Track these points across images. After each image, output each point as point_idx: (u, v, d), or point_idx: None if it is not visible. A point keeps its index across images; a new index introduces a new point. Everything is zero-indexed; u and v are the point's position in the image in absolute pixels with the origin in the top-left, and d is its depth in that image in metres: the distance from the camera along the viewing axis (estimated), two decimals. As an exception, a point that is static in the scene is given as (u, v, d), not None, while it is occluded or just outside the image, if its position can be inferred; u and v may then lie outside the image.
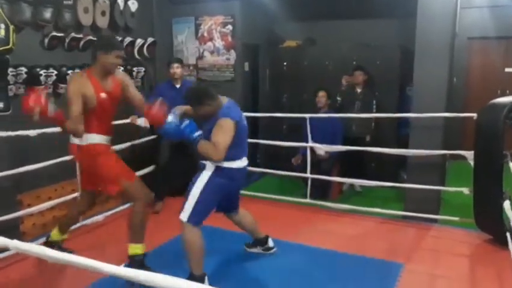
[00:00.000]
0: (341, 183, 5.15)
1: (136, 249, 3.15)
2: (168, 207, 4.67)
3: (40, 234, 3.85)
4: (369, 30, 5.63)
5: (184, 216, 2.92)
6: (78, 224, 3.99)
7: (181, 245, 2.98)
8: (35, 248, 1.47)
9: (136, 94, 3.31)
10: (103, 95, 3.02)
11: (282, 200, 4.78)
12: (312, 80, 5.81)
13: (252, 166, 5.16)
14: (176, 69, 4.63)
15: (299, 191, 4.97)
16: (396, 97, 5.55)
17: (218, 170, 2.96)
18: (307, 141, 4.62)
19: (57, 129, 3.59)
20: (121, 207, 4.56)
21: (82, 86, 2.93)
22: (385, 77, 5.46)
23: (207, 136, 2.88)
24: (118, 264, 3.13)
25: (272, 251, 3.63)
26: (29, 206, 3.78)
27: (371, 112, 5.15)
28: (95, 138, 3.07)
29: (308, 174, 4.65)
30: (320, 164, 4.88)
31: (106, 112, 3.11)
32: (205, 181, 2.95)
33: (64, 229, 3.49)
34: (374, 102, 5.23)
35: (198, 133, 2.86)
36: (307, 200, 4.69)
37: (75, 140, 3.05)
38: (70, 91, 2.90)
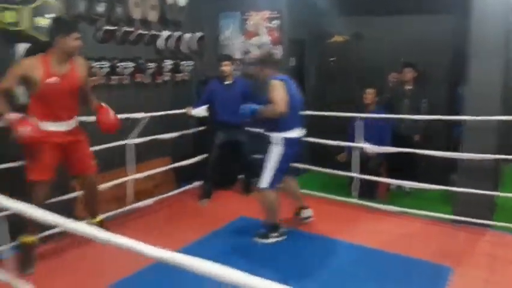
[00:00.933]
0: (389, 183, 5.01)
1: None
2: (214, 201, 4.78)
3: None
4: (420, 26, 5.42)
5: (264, 183, 3.62)
6: (127, 208, 4.14)
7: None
8: (87, 229, 1.48)
9: (87, 86, 3.37)
10: (53, 79, 2.94)
11: (327, 198, 4.71)
12: (359, 77, 5.68)
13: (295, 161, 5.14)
14: (225, 66, 4.62)
15: (343, 189, 4.88)
16: (448, 95, 5.34)
17: (284, 141, 3.55)
18: (353, 139, 4.52)
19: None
20: (171, 193, 4.70)
21: (27, 68, 2.88)
22: (436, 75, 5.27)
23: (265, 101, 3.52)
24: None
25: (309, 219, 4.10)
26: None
27: (421, 110, 4.96)
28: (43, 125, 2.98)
29: (355, 174, 4.56)
30: (367, 163, 4.77)
31: (55, 97, 3.00)
32: (278, 154, 3.56)
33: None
34: (425, 100, 5.04)
35: (256, 106, 3.57)
36: (353, 199, 4.60)
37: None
38: (12, 69, 2.89)
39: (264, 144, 3.65)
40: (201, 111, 4.64)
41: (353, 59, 5.90)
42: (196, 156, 4.90)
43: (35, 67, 2.88)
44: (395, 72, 5.29)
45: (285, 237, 3.80)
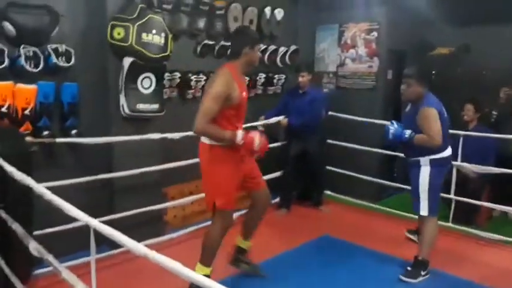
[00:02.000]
0: (491, 209, 4.55)
1: (200, 271, 2.86)
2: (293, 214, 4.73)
3: (180, 225, 4.18)
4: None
5: (424, 211, 3.34)
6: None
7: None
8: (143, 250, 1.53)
9: None
10: (244, 93, 2.86)
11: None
12: (464, 91, 5.27)
13: (388, 180, 4.91)
14: (301, 77, 4.57)
15: (440, 213, 4.53)
16: None
17: (433, 162, 3.29)
18: (453, 159, 4.17)
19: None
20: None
21: (230, 86, 2.71)
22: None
23: (410, 121, 3.32)
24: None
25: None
26: (173, 199, 4.13)
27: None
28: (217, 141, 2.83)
29: (452, 196, 4.21)
30: (467, 185, 4.39)
31: (242, 111, 2.90)
32: (428, 174, 3.29)
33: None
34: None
35: (409, 131, 3.28)
36: (450, 224, 4.26)
37: (205, 139, 2.85)
38: (218, 90, 2.68)
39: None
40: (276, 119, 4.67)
41: (458, 72, 5.50)
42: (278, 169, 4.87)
43: (233, 84, 2.74)
44: (506, 86, 4.83)
45: (428, 276, 3.41)
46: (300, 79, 4.59)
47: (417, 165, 3.32)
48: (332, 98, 5.24)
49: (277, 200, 4.85)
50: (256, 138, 2.80)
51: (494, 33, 5.17)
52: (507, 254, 3.87)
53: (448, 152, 3.37)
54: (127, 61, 3.51)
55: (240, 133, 2.76)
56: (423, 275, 3.36)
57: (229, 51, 2.95)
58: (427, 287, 3.28)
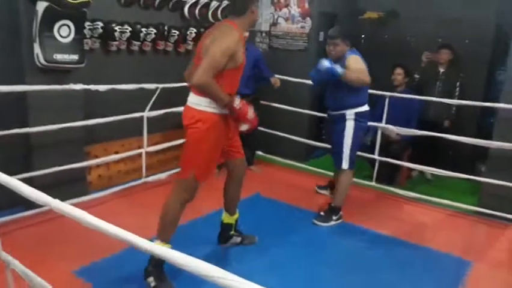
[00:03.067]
0: (411, 169, 4.82)
1: None
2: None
3: (105, 186, 3.99)
4: (460, 5, 5.10)
5: (346, 164, 3.56)
6: (141, 180, 4.09)
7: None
8: (72, 210, 1.41)
9: None
10: (244, 55, 2.65)
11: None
12: (391, 56, 5.43)
13: (317, 141, 5.01)
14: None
15: (364, 173, 4.73)
16: (483, 80, 5.06)
17: (357, 116, 3.49)
18: (379, 121, 4.32)
19: (127, 86, 3.68)
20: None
21: (238, 44, 2.52)
22: (473, 58, 4.98)
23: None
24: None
25: None
26: (96, 157, 3.91)
27: (454, 95, 4.72)
28: (213, 106, 2.57)
29: (376, 156, 4.39)
30: (389, 146, 4.59)
31: (239, 75, 2.71)
32: (352, 129, 3.49)
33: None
34: (458, 84, 4.78)
35: (340, 68, 3.31)
36: (373, 183, 4.45)
37: (190, 100, 2.64)
38: (228, 45, 2.47)
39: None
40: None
41: (386, 37, 5.65)
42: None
43: (240, 42, 2.55)
44: (427, 51, 5.03)
45: (341, 221, 3.71)
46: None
47: (343, 120, 3.51)
48: (265, 58, 5.16)
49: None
50: (250, 107, 2.69)
51: (421, 0, 5.33)
52: (420, 210, 4.13)
53: (367, 107, 3.61)
54: (41, 5, 3.15)
55: (237, 98, 2.60)
56: (335, 220, 3.66)
57: (230, 9, 2.73)
58: (347, 242, 3.43)
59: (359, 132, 3.58)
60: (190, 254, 1.13)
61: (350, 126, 3.50)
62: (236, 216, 3.13)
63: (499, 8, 4.89)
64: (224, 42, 2.47)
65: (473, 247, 3.48)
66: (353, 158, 3.59)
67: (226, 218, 3.12)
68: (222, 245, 3.14)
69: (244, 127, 2.78)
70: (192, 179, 2.61)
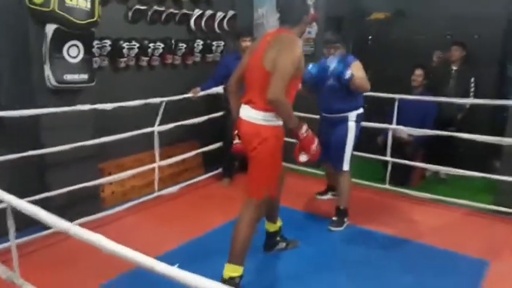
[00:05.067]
0: (424, 169, 4.77)
1: (233, 271, 2.58)
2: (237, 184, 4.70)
3: (118, 202, 4.04)
4: (468, 1, 5.05)
5: (346, 166, 3.60)
6: (155, 194, 4.13)
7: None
8: (89, 235, 1.43)
9: None
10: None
11: (358, 184, 4.53)
12: (399, 56, 5.41)
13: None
14: (248, 42, 4.36)
15: (378, 175, 4.70)
16: (495, 76, 4.99)
17: (357, 117, 3.55)
18: (390, 123, 4.30)
19: (133, 103, 3.73)
20: (197, 179, 4.66)
21: (301, 53, 2.50)
22: (484, 54, 4.92)
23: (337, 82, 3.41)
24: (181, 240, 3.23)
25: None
26: (110, 174, 3.96)
27: (468, 91, 4.68)
28: (279, 119, 2.53)
29: (388, 158, 4.36)
30: (403, 148, 4.56)
31: (299, 83, 2.70)
32: (354, 131, 3.56)
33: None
34: (473, 80, 4.72)
35: (350, 71, 3.30)
36: (386, 186, 4.42)
37: (255, 116, 2.53)
38: (298, 54, 2.44)
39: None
40: (213, 91, 4.53)
41: (393, 37, 5.63)
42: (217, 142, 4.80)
43: (302, 52, 2.53)
44: (438, 50, 4.99)
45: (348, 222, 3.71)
46: (245, 44, 4.35)
47: (345, 121, 3.55)
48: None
49: (220, 170, 4.82)
50: (316, 140, 2.63)
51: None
52: (436, 210, 4.08)
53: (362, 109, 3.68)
54: (50, 28, 3.22)
55: (305, 126, 2.56)
56: (346, 221, 3.68)
57: (284, 19, 2.64)
58: (364, 247, 3.39)
59: (358, 134, 3.62)
60: (213, 268, 1.14)
61: (352, 128, 3.55)
62: (279, 223, 3.17)
63: (508, 3, 4.82)
64: (292, 53, 2.42)
65: (491, 247, 3.41)
66: (351, 159, 3.65)
67: (271, 227, 3.15)
68: (268, 252, 3.19)
69: (303, 158, 2.64)
70: (266, 198, 2.64)
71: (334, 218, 3.68)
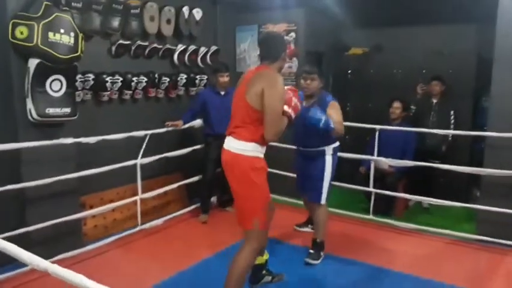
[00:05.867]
0: (408, 199, 4.83)
1: None
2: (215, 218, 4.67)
3: (101, 236, 3.96)
4: (441, 36, 5.27)
5: (323, 199, 3.59)
6: (137, 228, 4.07)
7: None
8: (70, 275, 1.39)
9: None
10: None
11: (342, 214, 4.57)
12: (378, 89, 5.57)
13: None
14: (226, 77, 4.45)
15: (360, 205, 4.73)
16: (471, 107, 5.16)
17: (334, 150, 3.59)
18: (372, 153, 4.37)
19: (117, 136, 3.70)
20: (181, 212, 4.61)
21: (283, 89, 2.61)
22: (459, 87, 5.09)
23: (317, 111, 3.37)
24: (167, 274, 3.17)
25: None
26: (91, 208, 3.90)
27: (449, 124, 4.82)
28: (261, 152, 2.65)
29: (371, 189, 4.40)
30: (384, 178, 4.62)
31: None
32: (331, 164, 3.57)
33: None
34: (452, 113, 4.87)
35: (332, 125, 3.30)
36: (370, 216, 4.45)
37: (235, 146, 2.63)
38: (282, 91, 2.57)
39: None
40: (196, 123, 4.62)
41: (372, 71, 5.79)
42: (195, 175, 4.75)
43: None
44: (421, 83, 5.15)
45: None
46: (223, 79, 4.44)
47: (322, 155, 3.56)
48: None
49: (197, 205, 4.76)
50: (293, 100, 2.69)
51: (404, 34, 5.50)
52: (420, 240, 4.10)
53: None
54: (33, 62, 3.24)
55: (286, 108, 2.62)
56: (323, 255, 3.64)
57: (264, 55, 2.75)
58: (348, 279, 3.36)
59: (335, 166, 3.62)
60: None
61: (329, 161, 3.56)
62: (266, 256, 3.14)
63: (479, 39, 5.04)
64: (277, 90, 2.54)
65: (475, 275, 3.43)
66: (329, 192, 3.62)
67: (257, 259, 3.08)
68: (254, 286, 3.12)
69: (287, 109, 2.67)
70: (257, 227, 2.62)
71: (311, 251, 3.64)
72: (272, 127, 2.53)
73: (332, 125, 3.27)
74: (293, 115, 2.68)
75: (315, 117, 3.24)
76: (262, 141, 2.61)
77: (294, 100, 2.69)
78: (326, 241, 3.69)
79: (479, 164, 4.05)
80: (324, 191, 3.58)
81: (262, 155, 2.64)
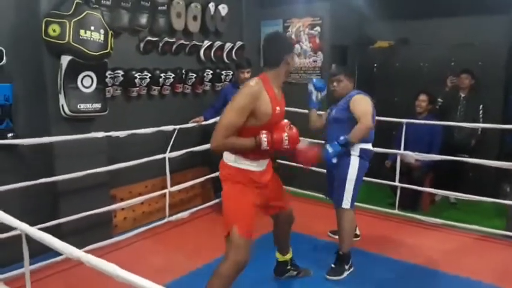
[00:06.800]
0: (434, 194, 4.77)
1: None
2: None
3: (129, 227, 4.08)
4: (469, 28, 5.15)
5: (347, 204, 3.24)
6: (165, 220, 4.17)
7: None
8: (102, 264, 1.41)
9: None
10: (278, 109, 2.48)
11: (367, 209, 4.55)
12: (404, 83, 5.50)
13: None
14: (247, 74, 4.40)
15: (386, 200, 4.71)
16: (501, 100, 5.04)
17: (362, 153, 3.25)
18: (399, 147, 4.34)
19: (146, 130, 3.81)
20: (206, 205, 4.68)
21: (255, 98, 2.38)
22: (489, 79, 4.99)
23: (343, 109, 3.27)
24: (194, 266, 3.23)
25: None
26: (122, 200, 4.02)
27: (477, 118, 4.73)
28: (246, 164, 2.48)
29: (397, 183, 4.37)
30: (411, 172, 4.57)
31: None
32: (357, 166, 3.23)
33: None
34: (481, 107, 4.78)
35: (342, 137, 3.11)
36: (396, 211, 4.42)
37: (225, 155, 2.53)
38: (239, 101, 2.38)
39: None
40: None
41: (397, 64, 5.73)
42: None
43: (261, 96, 2.40)
44: (451, 75, 5.06)
45: (353, 269, 3.33)
46: (243, 76, 4.39)
47: (347, 155, 3.23)
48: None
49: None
50: (283, 134, 2.44)
51: (430, 26, 5.41)
52: (447, 236, 4.05)
53: (371, 146, 3.36)
54: (65, 59, 3.35)
55: (263, 136, 2.39)
56: (348, 269, 3.29)
57: (264, 61, 2.58)
58: (376, 275, 3.35)
59: (363, 170, 3.29)
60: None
61: (354, 162, 3.23)
62: (288, 256, 3.15)
63: (510, 30, 4.92)
64: (236, 99, 2.41)
65: (503, 272, 3.37)
66: (354, 197, 3.27)
67: (280, 257, 3.15)
68: (278, 277, 3.18)
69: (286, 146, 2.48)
70: (235, 234, 2.43)
71: (332, 265, 3.29)
72: (214, 135, 2.36)
73: (341, 141, 3.08)
74: (269, 148, 2.42)
75: (326, 158, 3.09)
76: (245, 153, 2.45)
77: (285, 139, 2.44)
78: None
79: (510, 158, 3.97)
80: (346, 195, 3.24)
81: (247, 167, 2.48)
